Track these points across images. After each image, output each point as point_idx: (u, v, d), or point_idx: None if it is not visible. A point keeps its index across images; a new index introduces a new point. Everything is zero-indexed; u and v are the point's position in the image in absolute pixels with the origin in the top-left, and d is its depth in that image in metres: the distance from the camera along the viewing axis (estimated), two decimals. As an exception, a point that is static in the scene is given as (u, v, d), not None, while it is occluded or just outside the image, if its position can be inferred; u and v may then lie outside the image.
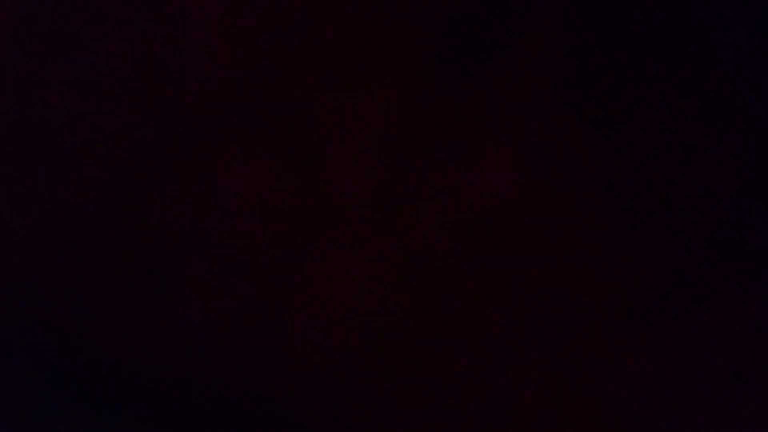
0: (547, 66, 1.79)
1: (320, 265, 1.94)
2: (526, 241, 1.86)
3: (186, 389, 2.07)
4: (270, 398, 2.04)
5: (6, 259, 2.07)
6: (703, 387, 1.84)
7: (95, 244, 2.04)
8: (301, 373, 2.02)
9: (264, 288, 1.99)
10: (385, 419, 1.99)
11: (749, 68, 1.74)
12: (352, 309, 1.95)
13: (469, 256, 1.89)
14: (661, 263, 1.83)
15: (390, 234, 1.89)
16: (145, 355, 2.06)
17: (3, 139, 2.03)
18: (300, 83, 1.88)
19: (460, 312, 1.92)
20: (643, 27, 1.75)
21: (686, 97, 1.77)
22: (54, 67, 1.94)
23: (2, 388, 2.02)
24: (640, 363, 1.85)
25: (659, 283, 1.84)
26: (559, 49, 1.78)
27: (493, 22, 1.78)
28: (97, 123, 1.96)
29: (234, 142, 1.92)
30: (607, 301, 1.85)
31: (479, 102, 1.83)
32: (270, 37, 1.86)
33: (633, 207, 1.83)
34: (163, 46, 1.88)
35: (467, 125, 1.83)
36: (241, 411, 2.06)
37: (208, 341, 2.03)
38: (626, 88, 1.79)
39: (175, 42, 1.87)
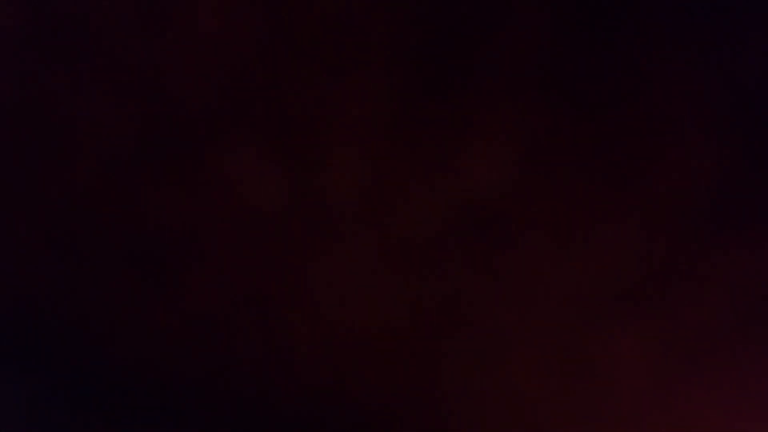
0: (534, 56, 1.80)
1: (314, 258, 1.94)
2: (517, 231, 1.87)
3: (182, 383, 2.08)
4: (266, 391, 2.04)
5: (3, 257, 2.08)
6: (690, 361, 1.85)
7: (92, 242, 2.05)
8: (296, 365, 2.02)
9: (258, 281, 1.99)
10: (380, 412, 2.00)
11: (730, 58, 1.74)
12: (346, 302, 1.95)
13: (462, 247, 1.90)
14: (649, 248, 1.84)
15: (383, 227, 1.90)
16: (142, 350, 2.07)
17: (1, 138, 2.03)
18: (291, 80, 1.88)
19: (455, 302, 1.93)
20: (627, 15, 1.76)
21: (671, 85, 1.78)
22: (51, 67, 1.95)
23: (1, 387, 2.03)
24: (632, 343, 1.86)
25: (647, 267, 1.84)
26: (545, 39, 1.79)
27: (479, 12, 1.78)
28: (94, 121, 1.97)
29: (227, 138, 1.93)
30: (598, 286, 1.86)
31: (468, 94, 1.83)
32: (262, 33, 1.87)
33: (620, 194, 1.84)
34: (155, 43, 1.88)
35: (456, 117, 1.84)
36: (238, 404, 2.07)
37: (205, 336, 2.04)
38: (614, 77, 1.80)
39: (168, 39, 1.88)
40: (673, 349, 1.85)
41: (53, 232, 2.05)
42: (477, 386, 1.95)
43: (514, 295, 1.89)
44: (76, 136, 1.97)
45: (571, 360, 1.90)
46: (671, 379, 1.87)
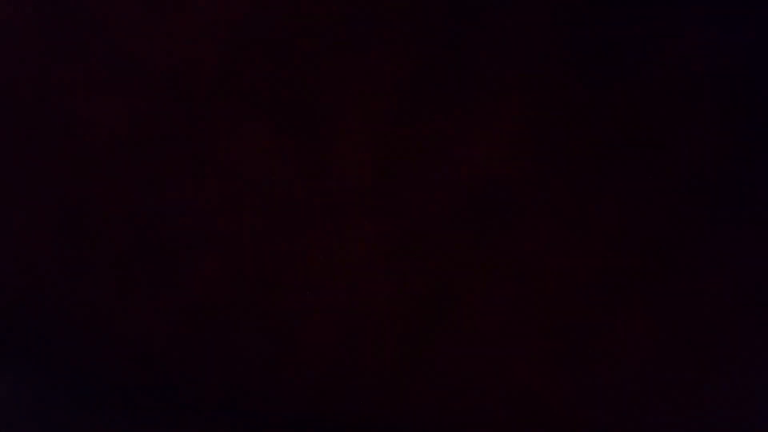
0: (539, 46, 1.81)
1: (321, 245, 1.94)
2: (521, 219, 1.87)
3: (183, 375, 2.06)
4: (267, 382, 2.03)
5: (4, 256, 2.07)
6: (692, 351, 1.84)
7: (94, 233, 2.04)
8: (299, 355, 2.01)
9: (263, 271, 1.99)
10: (383, 402, 1.98)
11: (735, 46, 1.75)
12: (352, 289, 1.95)
13: (468, 232, 1.90)
14: (651, 238, 1.83)
15: (389, 212, 1.89)
16: (144, 339, 2.06)
17: (3, 134, 2.03)
18: (300, 66, 1.88)
19: (461, 287, 1.92)
20: (630, 9, 1.77)
21: (674, 77, 1.78)
22: (54, 56, 1.95)
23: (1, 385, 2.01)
24: (634, 333, 1.86)
25: (650, 251, 1.84)
26: (551, 30, 1.80)
27: (488, 0, 1.79)
28: (99, 109, 1.96)
29: (239, 125, 1.92)
30: (601, 272, 1.86)
31: (474, 82, 1.84)
32: (271, 17, 1.87)
33: (622, 185, 1.84)
34: (161, 26, 1.89)
35: (462, 103, 1.84)
36: (239, 395, 2.05)
37: (207, 326, 2.03)
38: (617, 69, 1.80)
39: (174, 22, 1.88)
40: (675, 338, 1.85)
41: (53, 225, 2.04)
42: (479, 373, 1.94)
43: (518, 283, 1.89)
44: (78, 126, 1.97)
45: (574, 348, 1.89)
46: (673, 367, 1.86)
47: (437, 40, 1.82)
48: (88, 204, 2.02)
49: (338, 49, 1.85)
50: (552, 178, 1.84)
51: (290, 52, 1.87)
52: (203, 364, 2.05)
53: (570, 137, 1.83)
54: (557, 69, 1.81)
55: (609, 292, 1.86)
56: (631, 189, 1.82)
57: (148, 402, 2.03)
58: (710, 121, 1.78)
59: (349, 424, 1.99)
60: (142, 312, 2.05)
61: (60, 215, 2.04)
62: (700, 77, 1.77)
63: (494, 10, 1.80)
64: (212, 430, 1.96)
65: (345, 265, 1.94)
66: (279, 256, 1.97)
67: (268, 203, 1.94)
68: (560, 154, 1.83)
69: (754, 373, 1.82)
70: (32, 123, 2.00)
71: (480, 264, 1.90)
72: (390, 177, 1.87)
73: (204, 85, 1.90)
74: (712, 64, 1.76)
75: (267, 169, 1.92)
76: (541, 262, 1.87)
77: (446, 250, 1.90)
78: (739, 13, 1.74)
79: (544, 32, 1.80)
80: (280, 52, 1.87)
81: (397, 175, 1.88)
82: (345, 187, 1.90)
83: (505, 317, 1.91)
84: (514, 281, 1.89)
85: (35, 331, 2.10)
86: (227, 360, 2.04)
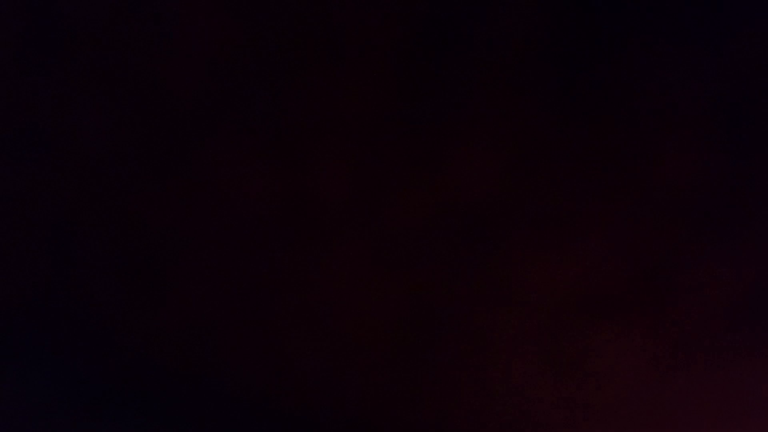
0: (525, 58, 1.79)
1: (305, 260, 1.94)
2: (509, 233, 1.87)
3: (180, 385, 2.08)
4: (262, 391, 2.05)
5: (2, 259, 2.08)
6: (679, 362, 1.85)
7: (88, 244, 2.04)
8: (292, 366, 2.03)
9: (250, 283, 1.99)
10: (377, 411, 2.00)
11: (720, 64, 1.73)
12: (337, 302, 1.95)
13: (452, 249, 1.90)
14: (636, 253, 1.83)
15: (373, 230, 1.89)
16: (138, 352, 2.07)
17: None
18: (283, 85, 1.87)
19: (445, 303, 1.92)
20: (620, 19, 1.75)
21: (659, 95, 1.77)
22: (43, 69, 1.94)
23: (2, 388, 2.03)
24: (621, 348, 1.87)
25: (634, 273, 1.84)
26: (537, 43, 1.78)
27: (469, 19, 1.77)
28: (87, 123, 1.96)
29: (223, 140, 1.92)
30: (586, 289, 1.86)
31: (457, 99, 1.83)
32: (254, 38, 1.86)
33: (611, 198, 1.83)
34: (147, 45, 1.87)
35: (446, 122, 1.83)
36: (236, 405, 2.07)
37: (201, 337, 2.04)
38: (603, 84, 1.79)
39: (160, 42, 1.87)
40: (661, 350, 1.85)
41: (49, 235, 2.05)
42: (470, 386, 1.95)
43: (504, 298, 1.89)
44: (71, 139, 1.97)
45: (562, 361, 1.90)
46: (659, 380, 1.87)
47: (420, 61, 1.81)
48: (81, 213, 2.02)
49: (320, 71, 1.83)
50: (534, 199, 1.83)
51: (273, 70, 1.86)
52: (194, 373, 2.06)
53: (555, 157, 1.83)
54: (542, 88, 1.80)
55: (595, 310, 1.86)
56: (616, 208, 1.82)
57: (146, 404, 2.05)
58: (695, 141, 1.77)
59: None
60: (138, 318, 2.06)
61: (55, 223, 2.04)
62: (685, 99, 1.76)
63: (478, 29, 1.78)
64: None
65: (330, 282, 1.94)
66: (266, 271, 1.98)
67: (253, 221, 1.94)
68: (545, 174, 1.83)
69: (744, 386, 1.83)
70: (23, 133, 2.00)
71: (465, 282, 1.90)
72: (372, 197, 1.87)
73: (189, 101, 1.89)
74: (698, 86, 1.75)
75: (252, 186, 1.92)
76: (528, 281, 1.87)
77: (431, 268, 1.90)
78: (726, 33, 1.72)
79: (528, 51, 1.79)
80: (264, 71, 1.86)
81: (380, 195, 1.87)
82: (328, 205, 1.90)
83: (491, 335, 1.92)
84: (500, 299, 1.90)
85: (36, 334, 2.11)
86: (217, 370, 2.05)
